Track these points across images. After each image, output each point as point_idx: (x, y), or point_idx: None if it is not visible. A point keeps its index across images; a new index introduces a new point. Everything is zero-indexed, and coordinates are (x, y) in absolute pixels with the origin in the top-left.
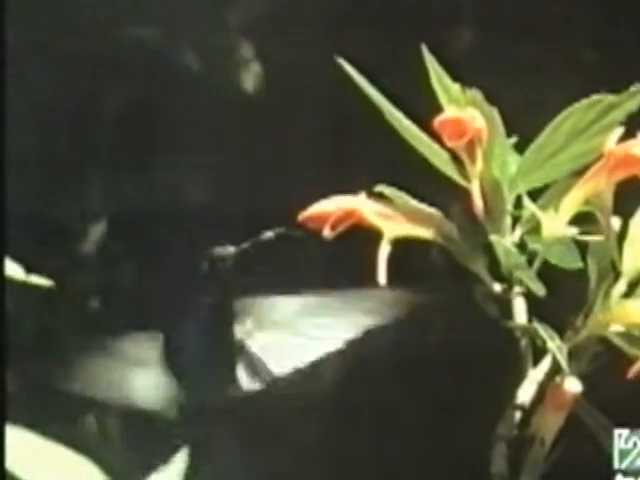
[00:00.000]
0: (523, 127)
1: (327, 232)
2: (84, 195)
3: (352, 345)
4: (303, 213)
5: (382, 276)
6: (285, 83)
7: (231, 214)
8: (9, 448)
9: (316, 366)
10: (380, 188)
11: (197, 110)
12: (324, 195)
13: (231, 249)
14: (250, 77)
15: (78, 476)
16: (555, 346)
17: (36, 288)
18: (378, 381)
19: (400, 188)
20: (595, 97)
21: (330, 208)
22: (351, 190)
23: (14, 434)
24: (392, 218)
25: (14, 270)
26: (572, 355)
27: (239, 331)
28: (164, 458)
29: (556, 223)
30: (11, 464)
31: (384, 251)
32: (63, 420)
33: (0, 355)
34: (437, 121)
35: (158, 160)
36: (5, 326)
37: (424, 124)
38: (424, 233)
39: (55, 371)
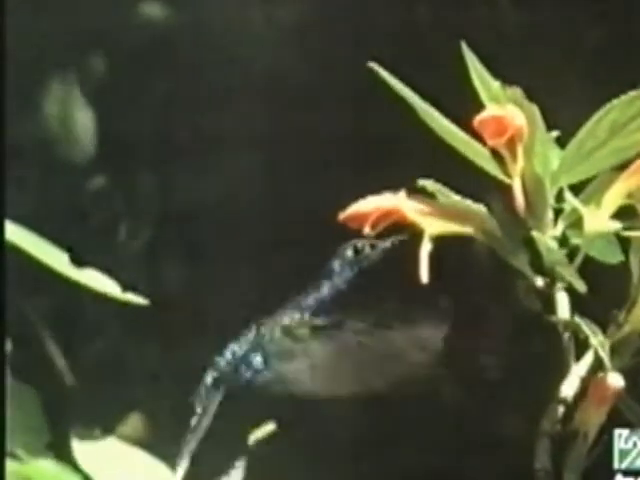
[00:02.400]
0: (564, 122)
1: (368, 231)
2: (130, 191)
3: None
4: (343, 213)
5: (424, 274)
6: (321, 82)
7: (270, 214)
8: (80, 449)
9: None
10: (423, 183)
11: (235, 113)
12: (365, 193)
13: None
14: (286, 82)
15: (151, 477)
16: (597, 341)
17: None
18: (420, 375)
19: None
20: (635, 92)
21: (370, 207)
22: (392, 188)
23: (85, 435)
24: (433, 215)
25: (111, 287)
26: (614, 350)
27: None
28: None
29: (598, 218)
30: (84, 465)
31: (425, 249)
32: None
33: (0, 356)
34: (477, 120)
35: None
36: (5, 325)
37: (464, 123)
38: (465, 229)
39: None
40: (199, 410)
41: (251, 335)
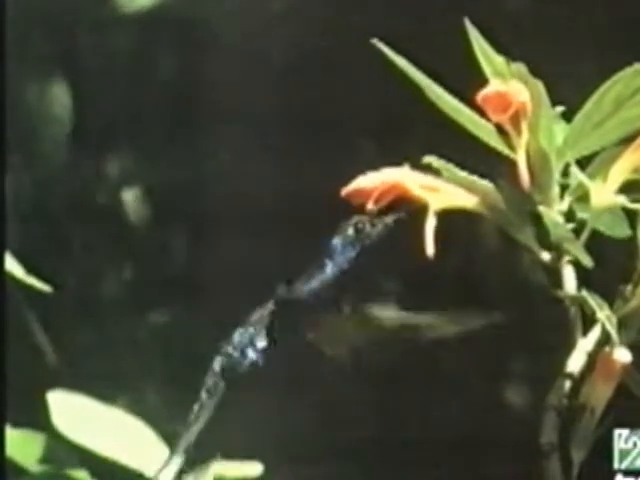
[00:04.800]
0: (569, 96)
1: (371, 206)
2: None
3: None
4: (346, 188)
5: (430, 248)
6: (324, 60)
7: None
8: (57, 411)
9: None
10: (428, 159)
11: (239, 83)
12: (370, 169)
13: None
14: (288, 56)
15: (130, 435)
16: (604, 316)
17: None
18: (427, 351)
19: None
20: None
21: (373, 182)
22: (397, 163)
23: (62, 397)
24: (437, 190)
25: (15, 269)
26: (621, 325)
27: None
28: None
29: (604, 192)
30: (61, 426)
31: (430, 223)
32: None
33: (0, 354)
34: (481, 95)
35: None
36: (5, 324)
37: (468, 99)
38: (470, 204)
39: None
40: (204, 397)
41: (256, 317)
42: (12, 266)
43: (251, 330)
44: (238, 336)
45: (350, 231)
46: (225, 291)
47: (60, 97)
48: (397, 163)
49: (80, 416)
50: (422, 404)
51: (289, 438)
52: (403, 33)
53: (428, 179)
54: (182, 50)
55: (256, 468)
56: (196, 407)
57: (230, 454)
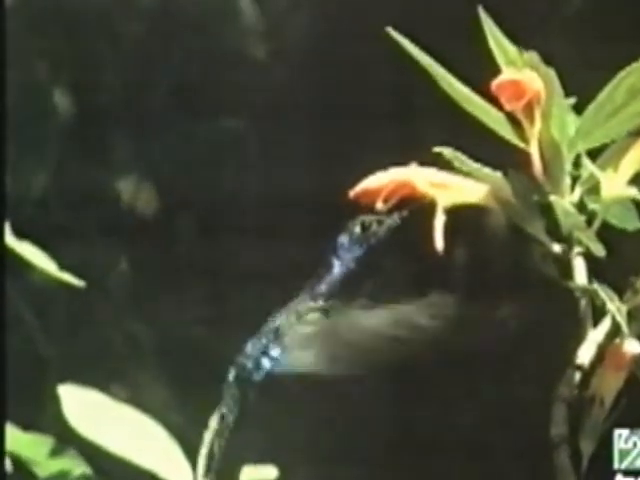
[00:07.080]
0: (581, 87)
1: (380, 205)
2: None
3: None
4: (354, 189)
5: (439, 244)
6: (334, 49)
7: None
8: (69, 406)
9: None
10: (439, 150)
11: (251, 79)
12: (381, 164)
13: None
14: (301, 48)
15: (142, 434)
16: (615, 307)
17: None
18: (439, 347)
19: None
20: None
21: (382, 181)
22: (408, 157)
23: (74, 392)
24: (446, 186)
25: (47, 264)
26: (632, 316)
27: None
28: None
29: (615, 183)
30: (72, 421)
31: (439, 220)
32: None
33: (0, 352)
34: (495, 84)
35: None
36: (5, 324)
37: (480, 88)
38: (479, 199)
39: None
40: (225, 410)
41: (269, 326)
42: (43, 261)
43: (264, 340)
44: (251, 347)
45: (357, 229)
46: (232, 287)
47: (63, 87)
48: (410, 154)
49: (92, 411)
50: (438, 405)
51: (305, 441)
52: (416, 22)
53: (437, 175)
54: (193, 41)
55: (272, 472)
56: (215, 421)
57: (246, 458)
